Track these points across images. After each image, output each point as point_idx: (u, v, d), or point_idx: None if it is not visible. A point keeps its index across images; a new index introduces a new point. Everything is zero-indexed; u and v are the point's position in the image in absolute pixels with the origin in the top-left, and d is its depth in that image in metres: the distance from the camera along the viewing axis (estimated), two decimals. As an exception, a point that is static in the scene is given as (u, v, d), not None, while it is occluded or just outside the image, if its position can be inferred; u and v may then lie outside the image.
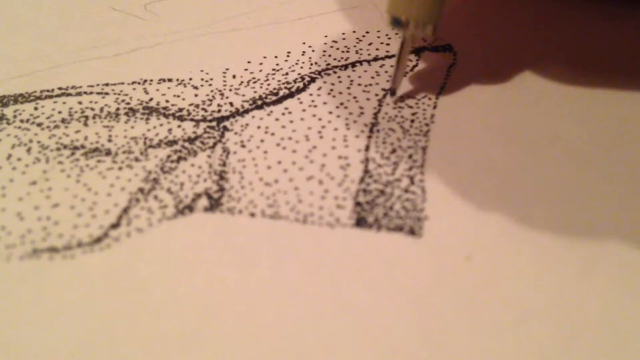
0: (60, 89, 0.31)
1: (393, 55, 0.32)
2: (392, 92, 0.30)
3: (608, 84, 0.31)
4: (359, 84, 0.31)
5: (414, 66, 0.32)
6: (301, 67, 0.32)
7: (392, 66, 0.31)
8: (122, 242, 0.26)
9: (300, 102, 0.30)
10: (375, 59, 0.32)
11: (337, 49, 0.33)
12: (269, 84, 0.31)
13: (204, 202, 0.27)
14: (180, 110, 0.30)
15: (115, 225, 0.26)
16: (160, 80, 0.31)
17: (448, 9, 0.30)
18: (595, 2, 0.34)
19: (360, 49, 0.32)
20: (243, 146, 0.29)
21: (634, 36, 0.33)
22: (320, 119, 0.30)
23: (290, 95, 0.31)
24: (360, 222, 0.26)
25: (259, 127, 0.29)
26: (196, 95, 0.31)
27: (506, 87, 0.30)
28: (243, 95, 0.31)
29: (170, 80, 0.31)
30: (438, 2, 0.28)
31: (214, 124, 0.30)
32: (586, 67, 0.31)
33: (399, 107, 0.30)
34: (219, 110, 0.30)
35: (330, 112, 0.30)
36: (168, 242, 0.26)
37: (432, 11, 0.28)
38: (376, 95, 0.30)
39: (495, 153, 0.28)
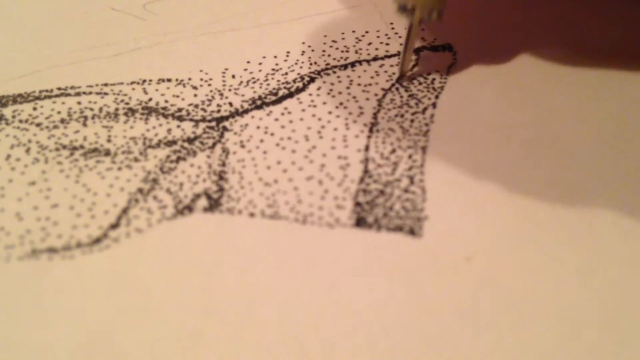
0: (59, 89, 0.31)
1: (393, 55, 0.32)
2: (401, 77, 0.31)
3: (609, 84, 0.31)
4: (359, 84, 0.31)
5: (414, 66, 0.31)
6: (300, 67, 0.32)
7: (394, 66, 0.31)
8: (122, 243, 0.26)
9: (300, 102, 0.30)
10: (375, 58, 0.32)
11: (337, 48, 0.33)
12: (268, 84, 0.31)
13: (203, 202, 0.27)
14: (180, 110, 0.30)
15: (114, 226, 0.26)
16: (159, 80, 0.31)
17: (448, 9, 0.30)
18: (595, 1, 0.34)
19: (360, 49, 0.32)
20: (242, 146, 0.29)
21: (634, 35, 0.33)
22: (319, 119, 0.29)
23: (290, 95, 0.31)
24: (360, 222, 0.26)
25: (258, 127, 0.29)
26: (195, 95, 0.31)
27: (506, 86, 0.30)
28: (242, 95, 0.31)
29: (169, 80, 0.31)
30: None
31: (213, 124, 0.29)
32: (587, 66, 0.31)
33: (398, 107, 0.30)
34: (219, 111, 0.30)
35: (330, 112, 0.30)
36: (167, 243, 0.26)
37: None
38: (376, 95, 0.30)
39: (496, 153, 0.28)
